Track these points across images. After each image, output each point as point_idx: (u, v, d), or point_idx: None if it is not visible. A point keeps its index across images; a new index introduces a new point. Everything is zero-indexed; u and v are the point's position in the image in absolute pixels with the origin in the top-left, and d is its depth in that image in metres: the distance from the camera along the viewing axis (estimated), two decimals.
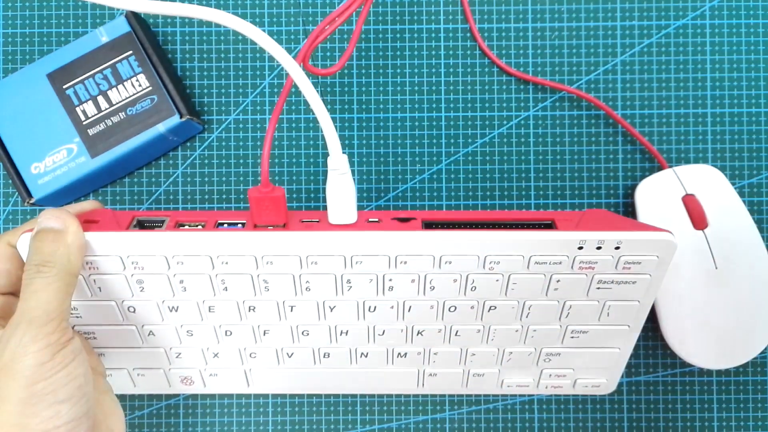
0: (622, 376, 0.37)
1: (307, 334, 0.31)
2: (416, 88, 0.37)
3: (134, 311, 0.30)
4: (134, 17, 0.34)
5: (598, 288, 0.29)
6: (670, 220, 0.34)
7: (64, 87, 0.33)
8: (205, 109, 0.37)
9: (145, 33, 0.34)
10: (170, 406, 0.37)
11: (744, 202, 0.35)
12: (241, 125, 0.37)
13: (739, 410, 0.37)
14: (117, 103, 0.33)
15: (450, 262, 0.28)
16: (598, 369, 0.33)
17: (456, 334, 0.31)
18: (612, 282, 0.29)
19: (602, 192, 0.37)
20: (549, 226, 0.29)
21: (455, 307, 0.30)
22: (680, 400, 0.37)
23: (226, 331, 0.31)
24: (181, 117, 0.33)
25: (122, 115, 0.34)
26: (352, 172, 0.37)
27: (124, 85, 0.33)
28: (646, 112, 0.37)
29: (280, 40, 0.37)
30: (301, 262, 0.29)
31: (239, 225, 0.29)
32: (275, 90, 0.37)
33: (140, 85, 0.34)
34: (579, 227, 0.28)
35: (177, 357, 0.32)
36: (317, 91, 0.37)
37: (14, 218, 0.37)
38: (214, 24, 0.37)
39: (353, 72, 0.37)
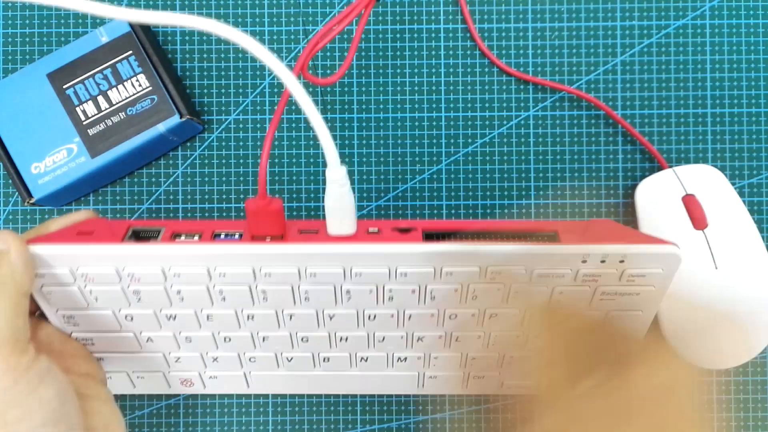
0: None
1: (307, 341, 0.31)
2: (416, 88, 0.37)
3: (131, 320, 0.30)
4: None
5: (601, 299, 0.29)
6: (670, 220, 0.34)
7: (64, 87, 0.33)
8: (205, 109, 0.37)
9: (145, 33, 0.34)
10: (170, 406, 0.37)
11: (744, 202, 0.35)
12: (241, 125, 0.37)
13: (739, 410, 0.37)
14: (117, 103, 0.33)
15: (451, 274, 0.28)
16: None
17: (456, 340, 0.31)
18: (615, 293, 0.29)
19: (602, 192, 0.37)
20: (552, 237, 0.29)
21: (456, 315, 0.30)
22: None
23: (224, 338, 0.31)
24: (181, 117, 0.33)
25: (122, 115, 0.33)
26: (352, 172, 0.37)
27: (124, 85, 0.33)
28: (646, 112, 0.37)
29: (281, 40, 0.37)
30: (300, 274, 0.28)
31: (236, 235, 0.28)
32: (275, 90, 0.37)
33: (140, 85, 0.33)
34: (583, 240, 0.28)
35: (176, 361, 0.32)
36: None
37: (14, 218, 0.37)
38: (212, 34, 0.37)
39: (353, 72, 0.37)
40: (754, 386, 0.37)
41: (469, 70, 0.37)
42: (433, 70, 0.37)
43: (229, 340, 0.31)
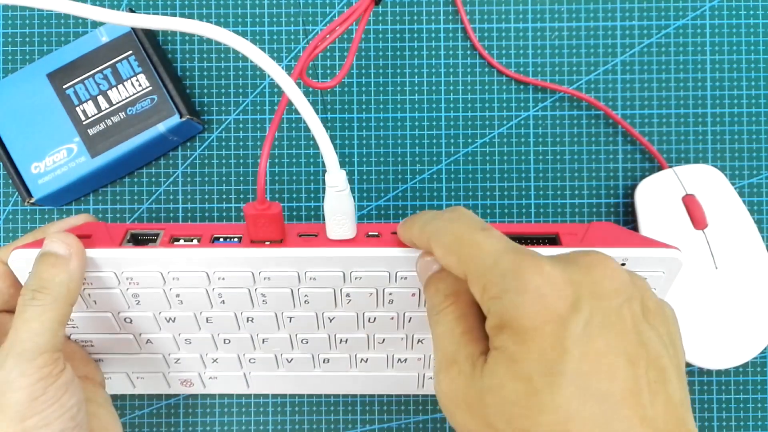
0: None
1: (306, 342, 0.31)
2: (416, 88, 0.37)
3: (131, 322, 0.30)
4: None
5: None
6: (670, 220, 0.34)
7: (64, 87, 0.33)
8: (205, 109, 0.37)
9: (145, 33, 0.34)
10: (170, 406, 0.37)
11: (744, 202, 0.35)
12: (241, 125, 0.37)
13: (739, 410, 0.37)
14: (117, 103, 0.33)
15: None
16: None
17: None
18: None
19: (602, 192, 0.37)
20: (553, 240, 0.29)
21: None
22: None
23: (224, 340, 0.31)
24: (181, 117, 0.33)
25: (122, 115, 0.33)
26: (352, 172, 0.37)
27: (124, 85, 0.33)
28: (646, 112, 0.37)
29: (281, 40, 0.37)
30: (299, 278, 0.28)
31: (235, 239, 0.28)
32: (275, 90, 0.37)
33: (140, 85, 0.33)
34: (584, 242, 0.28)
35: (176, 363, 0.32)
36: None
37: (14, 218, 0.37)
38: (212, 39, 0.37)
39: (353, 72, 0.37)
40: (754, 386, 0.37)
41: (469, 70, 0.37)
42: (433, 70, 0.37)
43: (229, 341, 0.31)
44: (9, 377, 0.23)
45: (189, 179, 0.37)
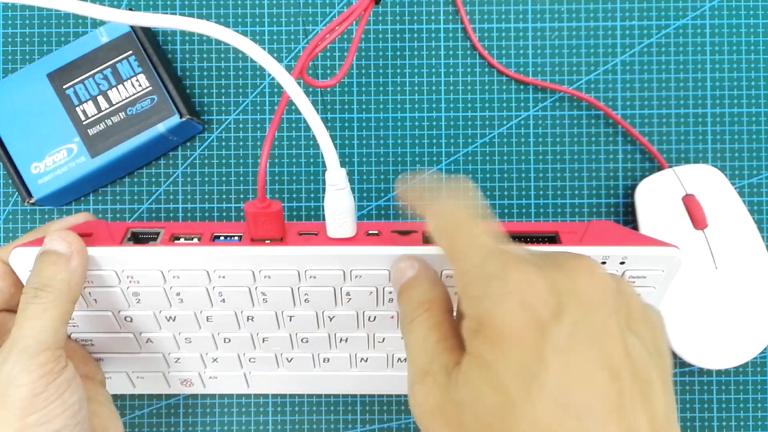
0: None
1: (306, 341, 0.31)
2: (416, 88, 0.37)
3: (131, 321, 0.30)
4: None
5: None
6: (670, 220, 0.34)
7: (64, 87, 0.33)
8: (205, 109, 0.37)
9: (145, 33, 0.34)
10: (170, 406, 0.37)
11: (744, 202, 0.35)
12: (241, 125, 0.37)
13: (739, 410, 0.37)
14: (117, 103, 0.33)
15: (451, 276, 0.28)
16: None
17: None
18: None
19: (602, 192, 0.37)
20: (553, 239, 0.29)
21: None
22: (680, 400, 0.37)
23: (224, 339, 0.31)
24: (181, 117, 0.33)
25: (122, 115, 0.33)
26: (352, 172, 0.37)
27: (124, 85, 0.33)
28: (646, 112, 0.37)
29: (281, 40, 0.37)
30: (300, 276, 0.28)
31: (236, 238, 0.28)
32: (275, 90, 0.37)
33: (140, 85, 0.33)
34: (583, 241, 0.28)
35: (176, 362, 0.32)
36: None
37: (14, 218, 0.37)
38: (211, 37, 0.37)
39: (353, 72, 0.37)
40: (754, 386, 0.37)
41: (468, 70, 0.37)
42: (433, 70, 0.37)
43: (229, 340, 0.31)
44: (11, 373, 0.23)
45: (189, 179, 0.37)
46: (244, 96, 0.37)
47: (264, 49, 0.36)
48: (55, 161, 0.33)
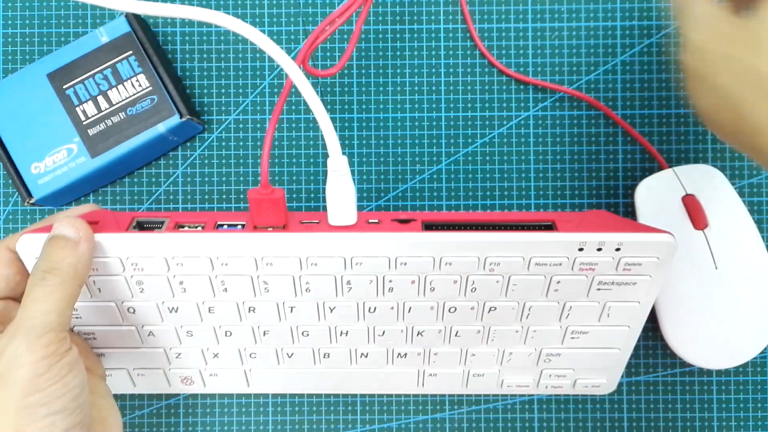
0: (622, 376, 0.37)
1: (307, 335, 0.31)
2: (416, 88, 0.37)
3: (134, 312, 0.30)
4: (134, 17, 0.34)
5: (599, 289, 0.29)
6: (670, 220, 0.34)
7: (64, 87, 0.33)
8: (205, 109, 0.37)
9: (145, 33, 0.34)
10: (170, 406, 0.37)
11: (744, 202, 0.35)
12: (241, 125, 0.37)
13: (739, 410, 0.37)
14: (117, 103, 0.33)
15: (450, 264, 0.28)
16: (598, 369, 0.33)
17: (456, 335, 0.31)
18: (612, 283, 0.29)
19: (602, 192, 0.37)
20: (549, 227, 0.29)
21: (455, 308, 0.30)
22: (680, 400, 0.37)
23: (225, 332, 0.31)
24: (181, 117, 0.33)
25: (122, 115, 0.34)
26: (352, 172, 0.37)
27: (124, 85, 0.33)
28: (646, 112, 0.37)
29: (280, 40, 0.37)
30: (301, 264, 0.28)
31: (239, 226, 0.29)
32: (275, 90, 0.37)
33: (140, 85, 0.34)
34: (579, 228, 0.28)
35: (177, 357, 0.32)
36: (317, 91, 0.37)
37: (14, 218, 0.37)
38: (214, 24, 0.37)
39: (353, 72, 0.37)
40: (754, 386, 0.37)
41: (469, 70, 0.37)
42: (433, 70, 0.37)
43: (230, 334, 0.31)
44: (16, 352, 0.23)
45: (189, 179, 0.37)
46: (244, 96, 0.37)
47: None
48: (55, 161, 0.33)
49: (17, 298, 0.29)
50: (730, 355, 0.34)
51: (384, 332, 0.31)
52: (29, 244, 0.27)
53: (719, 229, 0.34)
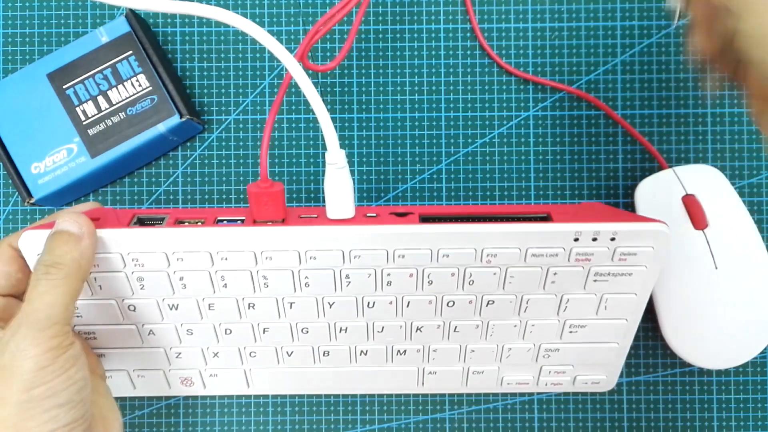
0: (622, 376, 0.37)
1: (307, 332, 0.31)
2: (416, 88, 0.37)
3: (134, 310, 0.30)
4: (134, 17, 0.34)
5: (595, 280, 0.30)
6: (670, 220, 0.34)
7: (64, 87, 0.33)
8: (205, 109, 0.37)
9: (145, 33, 0.34)
10: (170, 406, 0.37)
11: (744, 202, 0.35)
12: (241, 125, 0.37)
13: (739, 410, 0.37)
14: (117, 103, 0.33)
15: (447, 256, 0.29)
16: (597, 365, 0.33)
17: (455, 330, 0.31)
18: (608, 274, 0.29)
19: (602, 192, 0.37)
20: (545, 218, 0.30)
21: (453, 302, 0.30)
22: (680, 400, 0.37)
23: (225, 330, 0.31)
24: (181, 117, 0.33)
25: (122, 115, 0.34)
26: (352, 172, 0.37)
27: (124, 85, 0.33)
28: (646, 112, 0.37)
29: (280, 40, 0.37)
30: (300, 257, 0.29)
31: (238, 221, 0.29)
32: (275, 90, 0.37)
33: (140, 85, 0.34)
34: (575, 219, 0.29)
35: (177, 357, 0.32)
36: (317, 91, 0.37)
37: (14, 218, 0.37)
38: (214, 24, 0.37)
39: (353, 72, 0.37)
40: (754, 386, 0.37)
41: (469, 70, 0.37)
42: (433, 70, 0.37)
43: (230, 332, 0.31)
44: (20, 345, 0.23)
45: (189, 179, 0.37)
46: (244, 96, 0.37)
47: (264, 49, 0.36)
48: (55, 161, 0.33)
49: (18, 296, 0.29)
50: (730, 355, 0.34)
51: (383, 328, 0.31)
52: (31, 241, 0.27)
53: (719, 229, 0.34)
